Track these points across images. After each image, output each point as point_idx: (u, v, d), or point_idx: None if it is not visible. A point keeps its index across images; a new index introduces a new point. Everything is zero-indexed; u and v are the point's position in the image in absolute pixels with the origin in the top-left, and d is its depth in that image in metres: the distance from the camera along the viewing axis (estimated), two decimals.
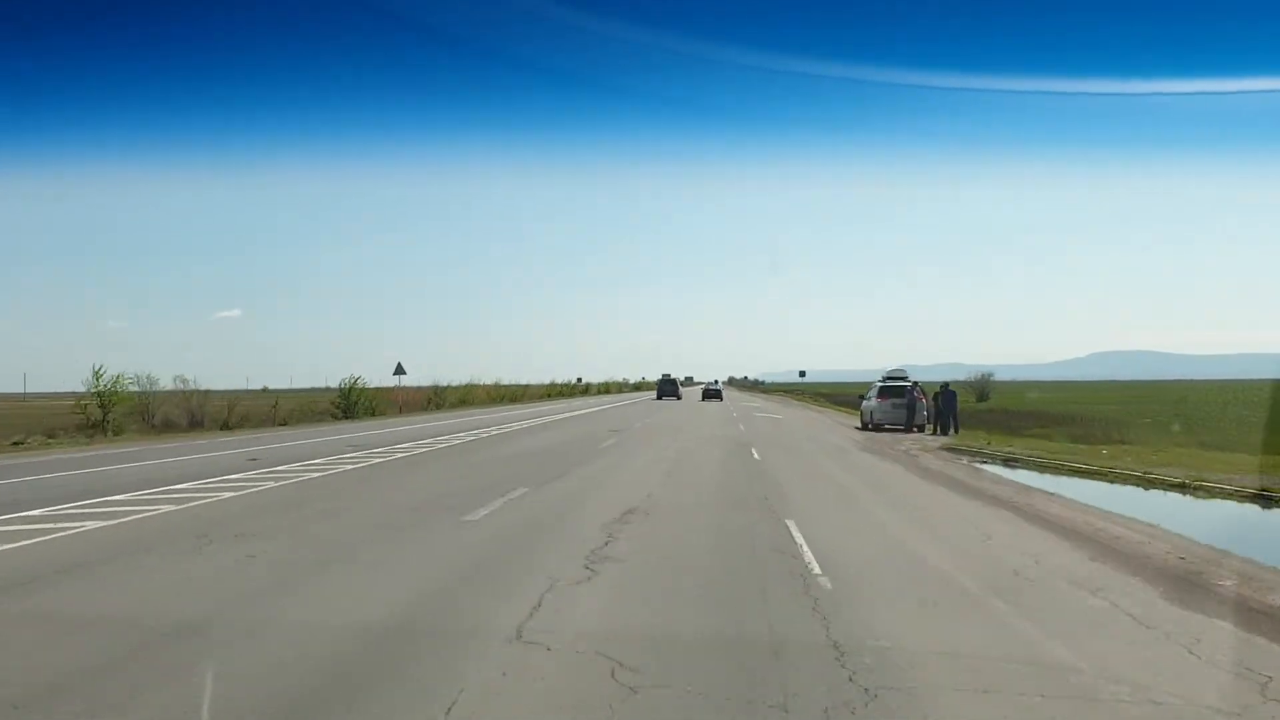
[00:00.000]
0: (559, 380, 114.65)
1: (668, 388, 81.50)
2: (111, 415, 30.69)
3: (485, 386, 64.29)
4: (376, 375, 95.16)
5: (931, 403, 29.90)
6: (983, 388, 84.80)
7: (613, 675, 4.96)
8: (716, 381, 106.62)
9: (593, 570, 7.81)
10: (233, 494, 13.45)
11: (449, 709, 4.46)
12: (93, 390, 30.82)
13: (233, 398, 38.10)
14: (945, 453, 22.35)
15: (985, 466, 19.23)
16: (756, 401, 72.26)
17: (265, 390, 73.83)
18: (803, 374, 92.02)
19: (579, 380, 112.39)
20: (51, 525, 10.45)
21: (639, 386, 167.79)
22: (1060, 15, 18.70)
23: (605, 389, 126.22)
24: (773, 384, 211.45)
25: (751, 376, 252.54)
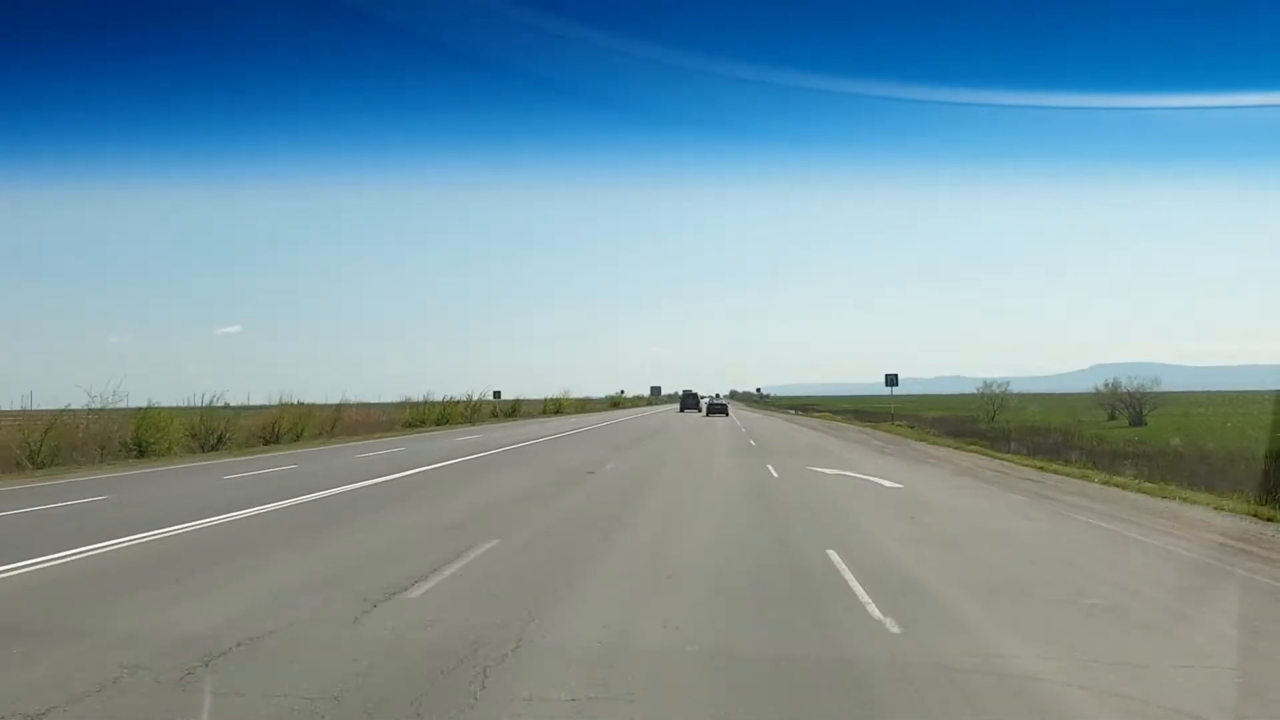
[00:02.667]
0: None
1: (690, 401, 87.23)
2: None
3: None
4: (367, 390, 66.33)
5: None
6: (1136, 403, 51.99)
7: None
8: (718, 395, 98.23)
9: None
10: None
11: None
12: None
13: None
14: None
15: None
16: (855, 452, 27.76)
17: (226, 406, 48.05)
18: (893, 381, 45.77)
19: (496, 395, 67.33)
20: None
21: (618, 403, 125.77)
22: (1060, 30, 18.34)
23: (555, 407, 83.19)
24: (778, 397, 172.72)
25: (763, 389, 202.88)
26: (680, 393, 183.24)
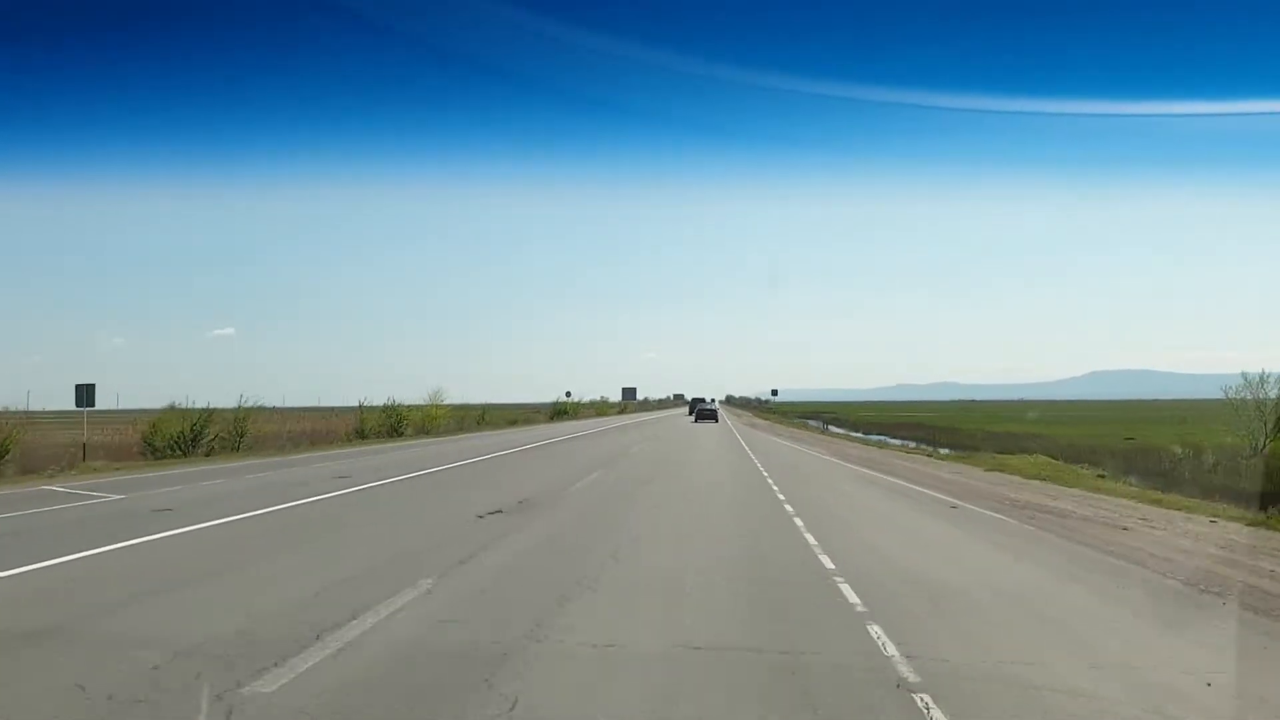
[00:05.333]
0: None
1: (695, 407, 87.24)
2: None
3: None
4: (358, 394, 60.44)
5: None
6: None
7: None
8: (711, 400, 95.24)
9: None
10: None
11: None
12: None
13: None
14: None
15: None
16: None
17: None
18: None
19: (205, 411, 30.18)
20: None
21: (564, 411, 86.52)
22: (1056, 36, 18.53)
23: (393, 422, 44.34)
24: (784, 404, 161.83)
25: (771, 395, 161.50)
26: (672, 397, 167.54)
